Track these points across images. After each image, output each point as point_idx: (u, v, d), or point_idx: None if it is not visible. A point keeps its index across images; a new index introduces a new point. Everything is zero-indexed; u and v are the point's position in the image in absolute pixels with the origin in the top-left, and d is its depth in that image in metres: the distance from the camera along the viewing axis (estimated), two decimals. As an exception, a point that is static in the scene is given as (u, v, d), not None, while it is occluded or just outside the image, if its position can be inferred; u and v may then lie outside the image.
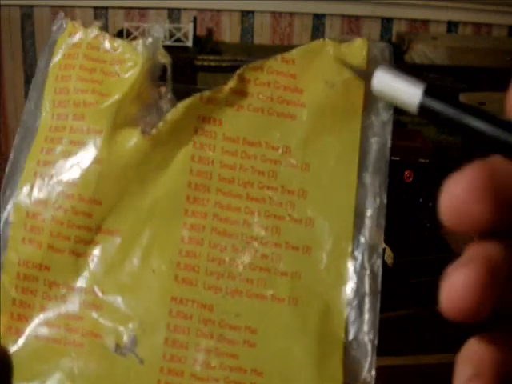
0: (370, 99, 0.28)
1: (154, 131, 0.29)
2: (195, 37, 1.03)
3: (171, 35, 1.00)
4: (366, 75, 0.26)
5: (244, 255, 0.28)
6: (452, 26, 1.22)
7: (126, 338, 0.28)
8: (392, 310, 0.50)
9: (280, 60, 0.29)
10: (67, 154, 0.29)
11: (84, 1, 1.16)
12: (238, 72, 0.29)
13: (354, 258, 0.27)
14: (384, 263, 0.55)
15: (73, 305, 0.28)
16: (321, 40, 0.29)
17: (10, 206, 0.30)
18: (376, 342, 0.27)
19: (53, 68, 0.31)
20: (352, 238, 0.28)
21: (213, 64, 0.96)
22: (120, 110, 0.29)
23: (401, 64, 1.00)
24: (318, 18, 1.23)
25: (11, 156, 0.30)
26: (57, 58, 0.31)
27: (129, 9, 1.22)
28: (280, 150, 0.29)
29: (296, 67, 0.29)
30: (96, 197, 0.29)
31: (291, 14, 1.24)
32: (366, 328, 0.27)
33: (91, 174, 0.29)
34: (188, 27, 1.02)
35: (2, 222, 0.29)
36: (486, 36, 1.22)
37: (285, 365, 0.27)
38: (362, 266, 0.27)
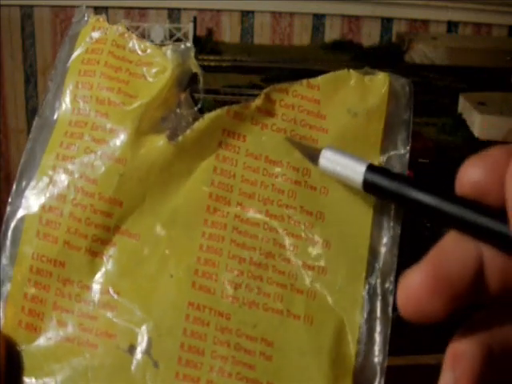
0: (390, 131, 0.29)
1: (180, 138, 0.29)
2: (195, 37, 1.03)
3: (171, 35, 1.00)
4: (312, 156, 0.28)
5: (262, 269, 0.28)
6: (452, 26, 1.22)
7: (140, 340, 0.28)
8: (392, 310, 0.50)
9: (305, 85, 0.30)
10: (88, 151, 0.29)
11: (84, 1, 1.16)
12: (265, 91, 0.30)
13: (368, 283, 0.28)
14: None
15: (87, 304, 0.28)
16: (345, 70, 0.30)
17: (24, 198, 0.29)
18: (385, 364, 0.27)
19: (75, 61, 0.31)
20: (366, 263, 0.28)
21: (213, 64, 0.96)
22: (146, 113, 0.29)
23: (401, 64, 1.00)
24: (318, 18, 1.23)
25: (27, 147, 0.30)
26: (79, 51, 0.31)
27: (129, 9, 1.22)
28: (300, 172, 0.29)
29: (320, 93, 0.30)
30: (117, 197, 0.29)
31: (291, 14, 1.24)
32: (376, 351, 0.27)
33: (113, 174, 0.29)
34: (188, 27, 1.02)
35: (18, 214, 0.29)
36: (485, 36, 1.22)
37: (299, 381, 0.27)
38: (375, 290, 0.28)
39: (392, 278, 0.28)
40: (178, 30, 1.01)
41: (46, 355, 0.28)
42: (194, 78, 0.31)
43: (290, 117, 0.30)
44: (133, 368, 0.27)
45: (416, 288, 0.18)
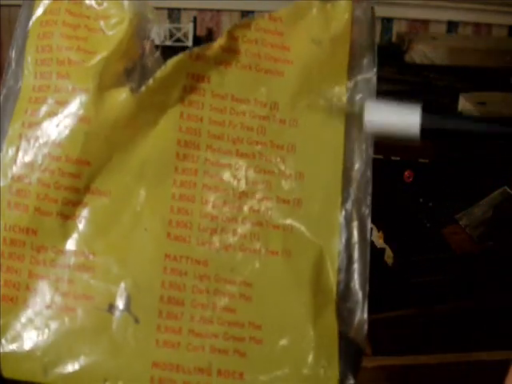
0: (355, 56, 0.29)
1: (142, 89, 0.29)
2: (195, 37, 1.03)
3: (171, 35, 1.00)
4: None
5: (236, 210, 0.28)
6: (452, 26, 1.22)
7: (119, 298, 0.27)
8: (392, 309, 0.50)
9: (267, 18, 0.30)
10: (52, 114, 0.29)
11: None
12: (228, 29, 0.29)
13: (344, 210, 0.28)
14: (384, 263, 0.55)
15: (62, 268, 0.28)
16: None
17: None
18: (367, 288, 0.27)
19: (34, 25, 0.30)
20: (341, 190, 0.28)
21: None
22: (107, 67, 0.29)
23: (401, 64, 1.00)
24: (318, 18, 1.23)
25: None
26: (37, 13, 0.30)
27: (129, 9, 1.22)
28: (268, 107, 0.29)
29: (283, 25, 0.30)
30: (83, 157, 0.28)
31: (291, 14, 1.23)
32: (356, 276, 0.27)
33: (78, 134, 0.28)
34: (188, 27, 1.02)
35: None
36: (485, 36, 1.22)
37: (282, 317, 0.27)
38: (352, 216, 0.28)
39: (368, 203, 0.28)
40: (178, 29, 1.01)
41: (25, 324, 0.27)
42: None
43: (254, 52, 0.29)
44: (114, 327, 0.27)
45: None
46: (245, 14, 1.25)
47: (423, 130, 0.24)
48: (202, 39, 1.10)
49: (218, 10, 1.23)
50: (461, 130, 0.22)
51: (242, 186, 0.28)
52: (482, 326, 0.45)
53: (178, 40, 1.00)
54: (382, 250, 0.55)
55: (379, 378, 0.45)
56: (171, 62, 0.29)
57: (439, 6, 1.18)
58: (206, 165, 0.28)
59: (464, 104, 0.85)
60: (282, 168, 0.28)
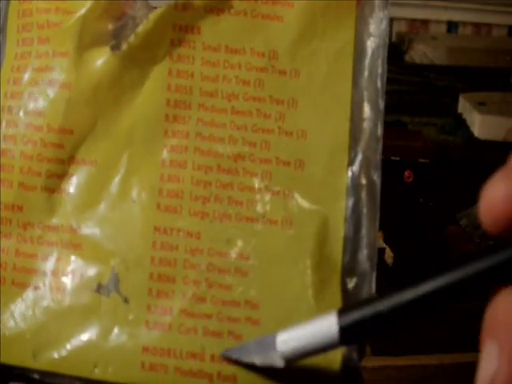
0: None
1: (124, 47, 0.26)
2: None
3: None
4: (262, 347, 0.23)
5: (231, 175, 0.25)
6: (452, 26, 1.22)
7: (107, 277, 0.25)
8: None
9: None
10: (34, 83, 0.27)
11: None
12: None
13: (351, 172, 0.25)
14: (384, 263, 0.55)
15: (50, 246, 0.26)
16: None
17: None
18: (375, 259, 0.25)
19: None
20: (348, 149, 0.25)
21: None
22: (86, 27, 0.27)
23: (401, 64, 1.00)
24: (318, 18, 1.23)
25: None
26: None
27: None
28: (266, 57, 0.26)
29: None
30: (66, 126, 0.26)
31: (291, 14, 1.23)
32: (364, 246, 0.25)
33: (59, 102, 0.26)
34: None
35: None
36: (485, 36, 1.22)
37: (281, 294, 0.24)
38: (359, 179, 0.25)
39: (378, 164, 0.25)
40: None
41: (14, 307, 0.26)
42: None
43: None
44: (103, 308, 0.25)
45: (501, 201, 0.16)
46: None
47: (342, 333, 0.20)
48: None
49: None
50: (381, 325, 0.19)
51: (238, 147, 0.26)
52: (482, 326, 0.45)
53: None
54: (382, 250, 0.55)
55: (379, 378, 0.45)
56: (154, 15, 0.26)
57: (439, 6, 1.18)
58: (198, 126, 0.26)
59: (464, 104, 0.85)
60: (283, 126, 0.26)
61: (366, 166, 0.25)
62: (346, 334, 0.20)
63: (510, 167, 0.16)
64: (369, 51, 0.26)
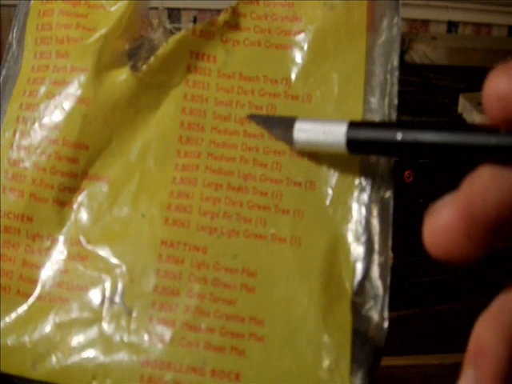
0: (375, 17, 0.27)
1: (144, 68, 0.27)
2: (195, 37, 1.03)
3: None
4: (279, 123, 0.26)
5: (241, 193, 0.26)
6: (452, 26, 1.22)
7: (112, 289, 0.26)
8: (392, 310, 0.50)
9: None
10: (50, 96, 0.27)
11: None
12: (232, 5, 0.28)
13: (362, 190, 0.25)
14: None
15: (58, 258, 0.26)
16: None
17: None
18: (388, 281, 0.24)
19: (35, 3, 0.29)
20: (359, 173, 0.26)
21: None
22: (106, 45, 0.27)
23: (401, 64, 1.00)
24: (318, 18, 1.23)
25: None
26: None
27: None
28: (279, 83, 0.27)
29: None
30: (81, 141, 0.27)
31: (291, 14, 1.23)
32: (376, 266, 0.24)
33: (76, 116, 0.27)
34: (188, 27, 1.02)
35: None
36: (485, 36, 1.22)
37: (288, 312, 0.24)
38: (371, 198, 0.25)
39: (390, 185, 0.25)
40: (178, 29, 1.01)
41: (18, 316, 0.26)
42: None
43: (264, 27, 0.27)
44: (106, 320, 0.25)
45: (445, 227, 0.15)
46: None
47: (349, 141, 0.21)
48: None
49: (218, 10, 1.23)
50: (388, 142, 0.20)
51: (249, 167, 0.26)
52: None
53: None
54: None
55: (379, 378, 0.45)
56: (173, 40, 0.27)
57: (439, 6, 1.18)
58: (210, 147, 0.27)
59: (464, 104, 0.85)
60: None
61: (378, 185, 0.25)
62: (352, 144, 0.22)
63: None
64: (380, 71, 0.26)
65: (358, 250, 0.25)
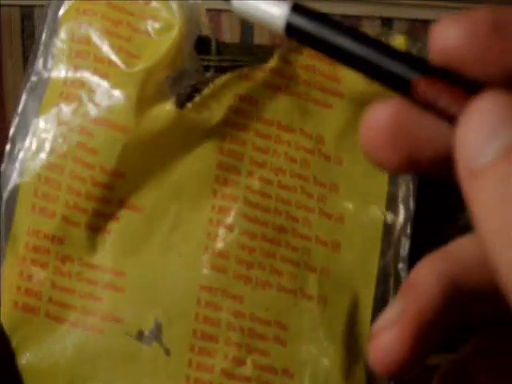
0: None
1: (189, 105, 0.27)
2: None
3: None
4: None
5: (275, 245, 0.26)
6: (452, 25, 1.22)
7: (150, 326, 0.26)
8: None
9: None
10: (87, 116, 0.26)
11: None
12: (280, 52, 0.27)
13: (382, 262, 0.27)
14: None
15: (89, 284, 0.26)
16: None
17: (17, 165, 0.26)
18: None
19: (68, 10, 0.27)
20: (381, 241, 0.27)
21: (212, 64, 0.96)
22: (151, 77, 0.26)
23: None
24: (318, 18, 1.23)
25: (18, 110, 0.27)
26: None
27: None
28: (314, 139, 0.27)
29: None
30: (119, 169, 0.26)
31: (291, 14, 1.23)
32: None
33: (115, 144, 0.26)
34: (188, 27, 1.02)
35: (11, 183, 0.26)
36: None
37: (314, 370, 0.26)
38: (389, 269, 0.27)
39: (405, 257, 0.27)
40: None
41: (50, 339, 0.26)
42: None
43: (305, 79, 0.27)
44: (143, 356, 0.25)
45: (391, 350, 0.16)
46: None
47: (288, 25, 0.21)
48: (202, 39, 1.10)
49: (218, 10, 1.23)
50: (327, 42, 0.19)
51: (282, 220, 0.27)
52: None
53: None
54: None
55: (379, 378, 0.45)
56: (220, 81, 0.27)
57: (439, 6, 1.18)
58: (246, 192, 0.27)
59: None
60: (323, 207, 0.27)
61: (395, 258, 0.27)
62: (291, 29, 0.21)
63: None
64: None
65: (375, 313, 0.26)
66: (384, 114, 0.15)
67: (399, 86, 0.15)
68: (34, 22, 1.50)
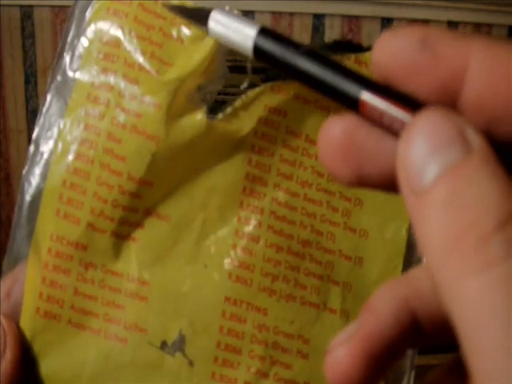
0: None
1: (220, 116, 0.26)
2: (195, 37, 1.03)
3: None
4: (201, 19, 0.23)
5: (299, 259, 0.26)
6: (452, 26, 1.22)
7: (174, 337, 0.25)
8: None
9: (353, 60, 0.27)
10: (115, 121, 0.25)
11: (85, 1, 1.16)
12: None
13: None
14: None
15: (113, 292, 0.26)
16: None
17: (41, 169, 0.26)
18: (415, 359, 0.26)
19: (98, 9, 0.26)
20: (403, 255, 0.27)
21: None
22: (183, 86, 0.26)
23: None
24: (318, 18, 1.23)
25: (43, 110, 0.26)
26: None
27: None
28: None
29: (368, 70, 0.27)
30: (147, 177, 0.25)
31: (291, 14, 1.24)
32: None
33: (144, 153, 0.25)
34: (188, 27, 1.02)
35: (33, 186, 0.26)
36: (485, 36, 1.22)
37: None
38: None
39: None
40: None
41: (72, 346, 0.25)
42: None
43: None
44: (166, 366, 0.25)
45: (341, 364, 0.17)
46: (245, 13, 1.25)
47: (255, 48, 0.21)
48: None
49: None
50: (292, 65, 0.20)
51: (307, 233, 0.26)
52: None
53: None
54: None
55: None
56: (253, 93, 0.27)
57: (439, 6, 1.18)
58: (272, 204, 0.27)
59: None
60: (348, 222, 0.27)
61: None
62: (258, 52, 0.21)
63: None
64: None
65: None
66: (338, 128, 0.16)
67: (350, 104, 0.16)
68: (34, 21, 1.50)
